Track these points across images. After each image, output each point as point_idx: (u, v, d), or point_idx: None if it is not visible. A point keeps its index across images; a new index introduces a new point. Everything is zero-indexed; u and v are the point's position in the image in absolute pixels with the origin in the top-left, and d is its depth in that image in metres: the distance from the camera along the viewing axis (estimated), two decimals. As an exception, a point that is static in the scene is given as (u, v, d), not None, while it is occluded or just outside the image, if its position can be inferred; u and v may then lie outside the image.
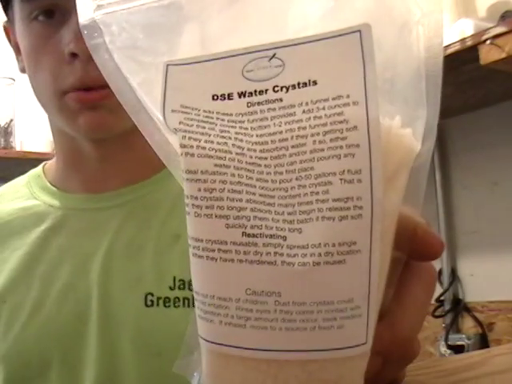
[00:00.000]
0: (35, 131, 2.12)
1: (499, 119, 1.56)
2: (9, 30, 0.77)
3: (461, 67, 1.29)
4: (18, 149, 1.96)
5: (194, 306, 0.36)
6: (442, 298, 1.64)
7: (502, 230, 1.56)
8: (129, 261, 0.68)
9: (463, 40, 1.21)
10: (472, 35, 1.21)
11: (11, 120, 1.93)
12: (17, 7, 0.70)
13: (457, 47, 1.22)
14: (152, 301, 0.65)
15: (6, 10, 0.74)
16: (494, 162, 1.58)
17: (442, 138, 1.68)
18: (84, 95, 0.66)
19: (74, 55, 0.65)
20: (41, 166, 0.83)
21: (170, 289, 0.65)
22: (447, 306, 1.63)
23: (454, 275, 1.64)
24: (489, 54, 1.16)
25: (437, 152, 1.68)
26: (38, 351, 0.66)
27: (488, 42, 1.16)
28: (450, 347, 1.58)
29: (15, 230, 0.73)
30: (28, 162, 1.94)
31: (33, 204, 0.76)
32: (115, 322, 0.65)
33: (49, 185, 0.78)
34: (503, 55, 1.13)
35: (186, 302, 0.65)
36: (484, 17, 1.52)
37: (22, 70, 0.79)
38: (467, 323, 1.61)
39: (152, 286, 0.65)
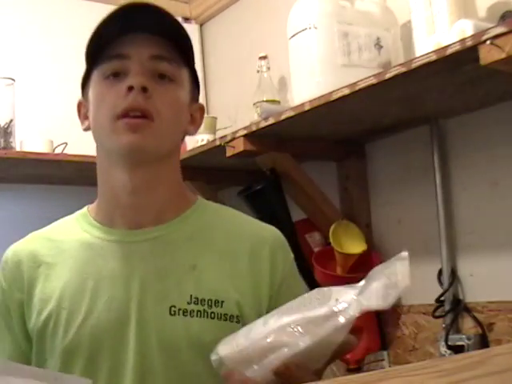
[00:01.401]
0: (35, 131, 2.13)
1: (499, 119, 1.56)
2: (81, 106, 1.05)
3: (461, 67, 1.30)
4: (17, 149, 1.96)
5: (205, 316, 0.84)
6: (442, 298, 1.65)
7: (502, 230, 1.56)
8: (158, 282, 0.93)
9: (463, 40, 1.21)
10: (472, 35, 1.21)
11: (11, 120, 1.93)
12: (94, 76, 0.97)
13: (457, 47, 1.22)
14: (175, 311, 0.91)
15: (84, 86, 1.03)
16: (494, 162, 1.58)
17: (441, 138, 1.68)
18: (131, 120, 0.91)
19: (130, 88, 0.91)
20: (85, 208, 1.06)
21: (188, 303, 0.91)
22: (447, 307, 1.63)
23: (453, 275, 1.64)
24: (489, 54, 1.16)
25: (436, 152, 1.68)
26: (90, 345, 0.90)
27: (488, 42, 1.16)
28: (449, 347, 1.58)
29: (70, 255, 0.97)
30: (28, 162, 1.94)
31: (83, 236, 1.00)
32: (148, 325, 0.91)
33: (94, 221, 1.01)
34: (503, 55, 1.13)
35: (199, 313, 0.91)
36: (484, 17, 1.52)
37: (86, 129, 1.04)
38: (467, 323, 1.61)
39: (175, 301, 0.92)
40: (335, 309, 0.65)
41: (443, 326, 1.63)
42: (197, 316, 0.91)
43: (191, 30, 2.62)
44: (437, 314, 1.65)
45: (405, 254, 0.67)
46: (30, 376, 0.72)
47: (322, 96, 1.50)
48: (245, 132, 1.73)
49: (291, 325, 0.66)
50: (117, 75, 0.94)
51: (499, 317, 1.54)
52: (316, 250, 1.91)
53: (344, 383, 0.56)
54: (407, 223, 1.80)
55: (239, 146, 1.74)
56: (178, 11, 2.60)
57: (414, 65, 1.30)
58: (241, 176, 1.99)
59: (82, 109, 1.04)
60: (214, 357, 0.73)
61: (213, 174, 2.08)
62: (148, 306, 0.92)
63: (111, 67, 0.94)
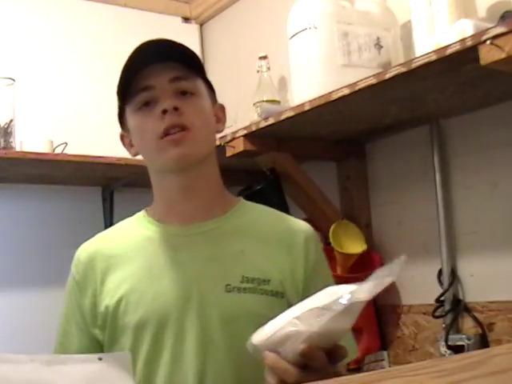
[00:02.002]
0: (35, 131, 2.12)
1: (499, 119, 1.56)
2: (124, 137, 1.20)
3: (461, 67, 1.30)
4: (17, 149, 1.96)
5: (256, 293, 1.07)
6: (442, 298, 1.65)
7: (502, 230, 1.56)
8: (213, 265, 1.10)
9: (463, 40, 1.21)
10: (472, 35, 1.21)
11: (11, 120, 1.93)
12: (128, 111, 1.14)
13: (457, 47, 1.22)
14: (230, 289, 1.07)
15: (121, 121, 1.19)
16: (494, 162, 1.58)
17: (441, 138, 1.68)
18: (173, 136, 1.08)
19: (164, 111, 1.08)
20: (143, 210, 1.21)
21: (241, 282, 1.08)
22: (447, 307, 1.63)
23: (453, 275, 1.64)
24: (489, 54, 1.16)
25: (437, 152, 1.68)
26: (158, 320, 1.06)
27: (488, 42, 1.16)
28: (449, 347, 1.58)
29: (135, 247, 1.15)
30: (28, 162, 1.94)
31: (144, 232, 1.17)
32: (207, 301, 1.07)
33: (152, 220, 1.18)
34: (503, 55, 1.13)
35: (250, 290, 1.07)
36: (484, 17, 1.52)
37: (135, 154, 1.19)
38: (467, 323, 1.61)
39: (229, 280, 1.08)
40: (338, 299, 0.79)
41: (443, 325, 1.63)
42: (249, 292, 1.07)
43: (191, 30, 2.62)
44: (437, 313, 1.65)
45: (403, 257, 0.79)
46: (77, 362, 0.87)
47: (322, 96, 1.51)
48: (245, 132, 1.73)
49: (304, 314, 0.81)
50: (147, 104, 1.11)
51: (499, 317, 1.54)
52: (316, 250, 1.91)
53: (344, 383, 0.56)
54: (407, 223, 1.80)
55: (239, 146, 1.74)
56: (178, 11, 2.60)
57: (414, 65, 1.30)
58: (241, 176, 1.99)
59: (125, 139, 1.20)
60: (249, 345, 0.87)
61: (213, 173, 2.08)
62: (207, 286, 1.08)
63: (141, 99, 1.11)
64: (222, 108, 1.24)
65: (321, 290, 0.86)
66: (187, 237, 1.13)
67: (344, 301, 0.79)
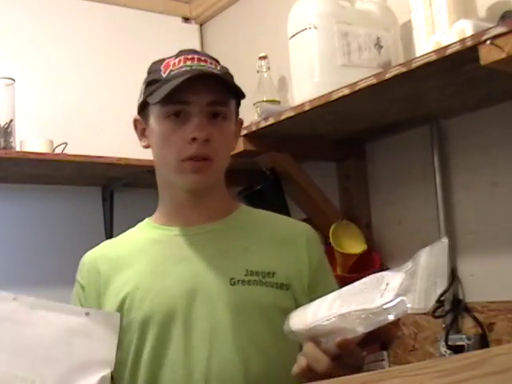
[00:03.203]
0: (35, 131, 2.12)
1: (499, 119, 1.56)
2: (137, 122, 1.20)
3: (461, 67, 1.30)
4: (17, 149, 1.96)
5: (260, 285, 1.09)
6: (442, 298, 1.64)
7: (502, 230, 1.56)
8: (218, 261, 1.12)
9: (463, 40, 1.21)
10: (472, 35, 1.21)
11: (11, 120, 1.93)
12: (155, 110, 1.13)
13: (457, 47, 1.22)
14: (234, 282, 1.09)
15: (140, 110, 1.18)
16: (494, 162, 1.58)
17: (441, 138, 1.68)
18: (197, 164, 1.10)
19: (194, 139, 1.09)
20: (147, 218, 1.23)
21: (245, 275, 1.10)
22: (447, 307, 1.63)
23: (454, 275, 1.64)
24: (489, 54, 1.16)
25: (437, 152, 1.68)
26: (163, 313, 1.08)
27: (488, 42, 1.16)
28: (449, 347, 1.58)
29: (140, 249, 1.17)
30: (28, 162, 1.94)
31: (149, 235, 1.19)
32: (213, 294, 1.09)
33: (157, 225, 1.20)
34: (503, 55, 1.13)
35: (255, 282, 1.09)
36: (484, 17, 1.52)
37: (146, 147, 1.20)
38: (467, 323, 1.61)
39: (233, 274, 1.10)
40: (385, 306, 0.78)
41: (443, 325, 1.63)
42: (254, 284, 1.09)
43: (191, 30, 2.62)
44: (437, 314, 1.65)
45: (445, 241, 0.77)
46: (63, 311, 0.85)
47: (322, 96, 1.51)
48: (245, 132, 1.73)
49: (350, 313, 0.79)
50: (177, 115, 1.11)
51: (499, 317, 1.54)
52: (316, 250, 1.91)
53: (344, 383, 0.56)
54: (407, 223, 1.80)
55: (239, 146, 1.73)
56: (178, 11, 2.60)
57: (414, 65, 1.30)
58: (241, 176, 1.99)
59: (138, 125, 1.20)
60: (286, 328, 0.88)
61: (213, 174, 2.08)
62: (212, 279, 1.10)
63: (174, 109, 1.11)
64: (241, 124, 1.25)
65: (325, 288, 0.89)
66: (192, 236, 1.16)
67: (395, 313, 0.78)
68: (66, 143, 2.11)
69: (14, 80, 1.97)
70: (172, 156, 1.12)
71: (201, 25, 2.63)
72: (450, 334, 1.60)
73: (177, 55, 1.15)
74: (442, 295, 1.64)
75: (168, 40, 2.50)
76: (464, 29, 1.28)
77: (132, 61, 2.28)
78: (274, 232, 1.19)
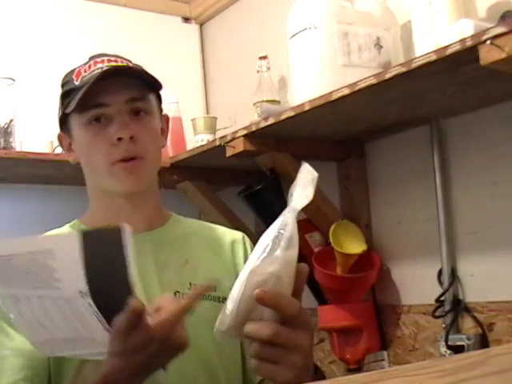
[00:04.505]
0: (35, 131, 2.12)
1: (499, 119, 1.56)
2: (62, 138, 1.17)
3: (461, 67, 1.30)
4: (17, 149, 1.96)
5: (204, 299, 0.97)
6: (442, 298, 1.65)
7: (502, 230, 1.56)
8: (160, 273, 1.10)
9: (463, 40, 1.21)
10: (472, 35, 1.21)
11: (11, 120, 1.93)
12: (75, 119, 1.10)
13: (457, 47, 1.22)
14: (179, 296, 1.06)
15: (62, 125, 1.15)
16: (494, 161, 1.58)
17: (441, 138, 1.68)
18: (127, 164, 1.07)
19: (119, 139, 1.07)
20: (75, 220, 1.22)
21: (188, 289, 1.08)
22: (447, 307, 1.63)
23: (453, 275, 1.64)
24: (489, 54, 1.16)
25: (437, 152, 1.68)
26: None
27: (488, 42, 1.15)
28: (449, 347, 1.58)
29: None
30: (28, 162, 1.94)
31: None
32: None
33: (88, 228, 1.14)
34: (503, 55, 1.13)
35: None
36: (484, 17, 1.52)
37: (75, 161, 1.17)
38: (467, 323, 1.61)
39: (178, 287, 1.09)
40: (278, 232, 0.80)
41: (443, 325, 1.63)
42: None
43: (191, 30, 2.62)
44: (437, 313, 1.65)
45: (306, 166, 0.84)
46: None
47: (322, 96, 1.50)
48: (245, 132, 1.73)
49: (256, 266, 0.78)
50: (98, 120, 1.09)
51: (499, 317, 1.54)
52: (316, 250, 1.91)
53: (344, 383, 0.56)
54: (407, 223, 1.80)
55: (239, 146, 1.74)
56: (177, 11, 2.60)
57: (414, 65, 1.30)
58: (241, 176, 1.99)
59: (63, 140, 1.18)
60: (217, 333, 0.83)
61: (213, 174, 2.07)
62: (155, 292, 1.05)
63: (93, 114, 1.08)
64: (167, 119, 1.22)
65: None
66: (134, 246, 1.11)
67: (288, 221, 0.81)
68: (66, 143, 2.11)
69: (14, 80, 1.97)
70: (101, 161, 1.09)
71: (201, 25, 2.63)
72: (450, 334, 1.60)
73: (87, 61, 1.13)
74: (441, 295, 1.64)
75: (168, 40, 2.51)
76: (464, 29, 1.28)
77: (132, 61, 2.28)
78: (210, 242, 1.19)
